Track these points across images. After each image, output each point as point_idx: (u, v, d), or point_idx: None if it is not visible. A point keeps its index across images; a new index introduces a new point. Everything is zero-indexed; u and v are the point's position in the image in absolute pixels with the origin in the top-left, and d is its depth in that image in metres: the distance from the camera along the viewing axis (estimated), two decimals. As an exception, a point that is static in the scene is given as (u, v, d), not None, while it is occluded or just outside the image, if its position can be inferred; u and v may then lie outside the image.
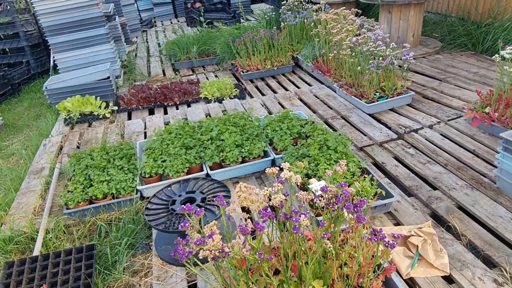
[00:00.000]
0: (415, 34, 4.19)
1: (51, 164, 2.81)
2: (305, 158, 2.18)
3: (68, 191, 2.28)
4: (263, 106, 3.48)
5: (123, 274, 1.84)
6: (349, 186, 1.69)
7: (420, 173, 2.25)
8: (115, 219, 2.20)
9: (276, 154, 2.44)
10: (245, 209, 2.19)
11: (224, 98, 3.67)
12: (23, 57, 5.13)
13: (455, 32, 4.32)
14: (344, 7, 4.12)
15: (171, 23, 7.95)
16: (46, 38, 4.20)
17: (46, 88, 3.73)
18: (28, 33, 5.11)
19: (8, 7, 4.84)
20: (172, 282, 1.73)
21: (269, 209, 1.27)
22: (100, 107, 3.59)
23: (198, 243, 1.15)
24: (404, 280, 1.61)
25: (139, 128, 3.27)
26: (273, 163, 2.47)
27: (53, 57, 4.24)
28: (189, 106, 3.68)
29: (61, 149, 3.09)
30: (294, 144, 2.48)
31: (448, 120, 2.78)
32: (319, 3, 4.42)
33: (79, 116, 3.51)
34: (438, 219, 1.92)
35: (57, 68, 4.23)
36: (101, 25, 4.16)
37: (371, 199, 1.90)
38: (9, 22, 5.08)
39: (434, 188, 2.12)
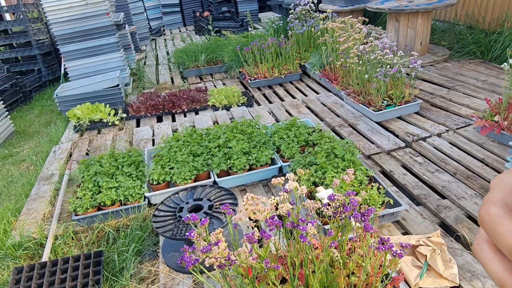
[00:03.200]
0: (423, 42, 4.19)
1: (61, 170, 2.84)
2: (312, 166, 2.18)
3: (77, 198, 2.30)
4: (270, 113, 3.49)
5: (130, 281, 1.84)
6: (356, 194, 1.68)
7: (428, 182, 2.24)
8: (123, 225, 2.21)
9: (284, 161, 2.44)
10: (251, 218, 2.19)
11: (232, 106, 3.70)
12: (35, 65, 5.23)
13: (463, 40, 4.30)
14: (351, 16, 4.14)
15: (180, 31, 8.04)
16: (57, 47, 4.28)
17: (56, 95, 3.79)
18: (40, 42, 5.21)
19: (21, 16, 4.95)
20: (178, 289, 1.73)
21: (276, 218, 1.27)
22: (109, 114, 3.64)
23: (204, 250, 1.15)
24: (413, 291, 1.59)
25: (147, 135, 3.30)
26: (280, 170, 2.47)
27: (64, 65, 4.31)
28: (197, 113, 3.71)
29: (70, 155, 3.13)
30: (301, 152, 2.48)
31: (457, 129, 2.76)
32: (326, 12, 4.45)
33: (89, 123, 3.56)
34: (447, 229, 1.90)
35: (68, 76, 4.30)
36: (111, 34, 4.23)
37: (379, 207, 1.89)
38: (21, 31, 5.19)
39: (443, 197, 2.10)
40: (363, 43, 3.56)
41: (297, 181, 1.29)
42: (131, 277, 1.87)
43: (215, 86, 4.43)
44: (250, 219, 2.20)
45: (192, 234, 1.25)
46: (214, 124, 3.38)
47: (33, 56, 5.24)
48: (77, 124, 3.55)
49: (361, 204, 1.40)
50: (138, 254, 2.00)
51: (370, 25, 4.01)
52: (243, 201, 1.20)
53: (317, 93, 3.89)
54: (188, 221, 1.25)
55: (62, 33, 4.05)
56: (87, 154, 3.11)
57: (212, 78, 4.79)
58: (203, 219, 1.25)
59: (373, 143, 2.74)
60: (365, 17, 4.36)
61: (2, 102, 3.82)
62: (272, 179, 1.28)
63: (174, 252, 1.93)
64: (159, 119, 3.69)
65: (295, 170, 2.22)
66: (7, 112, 3.89)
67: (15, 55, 5.24)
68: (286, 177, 1.34)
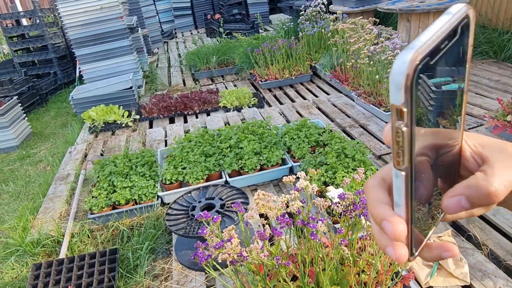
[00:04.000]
0: (434, 42, 4.16)
1: (76, 170, 2.92)
2: (323, 166, 2.20)
3: (93, 197, 2.36)
4: (281, 114, 3.52)
5: (144, 278, 1.89)
6: (366, 193, 1.70)
7: (439, 182, 2.23)
8: (137, 224, 2.27)
9: (294, 162, 2.46)
10: (263, 216, 2.22)
11: (243, 107, 3.73)
12: (51, 68, 5.35)
13: (476, 39, 4.27)
14: (362, 17, 4.14)
15: (191, 34, 8.13)
16: (72, 50, 4.38)
17: (72, 98, 3.89)
18: (55, 46, 5.34)
19: (38, 21, 5.08)
20: (191, 286, 1.77)
21: (286, 216, 1.30)
22: (123, 116, 3.71)
23: (217, 247, 1.19)
24: (423, 289, 1.60)
25: (160, 136, 3.36)
26: (291, 170, 2.49)
27: (79, 68, 4.42)
28: (208, 114, 3.76)
29: (85, 156, 3.21)
30: (312, 152, 2.50)
31: (469, 129, 2.75)
32: (336, 13, 4.46)
33: (103, 125, 3.64)
34: (458, 228, 1.90)
35: (83, 78, 4.40)
36: (125, 37, 4.32)
37: (389, 207, 1.89)
38: (38, 35, 5.32)
39: (454, 197, 2.10)
40: (373, 43, 3.57)
41: (308, 180, 1.32)
42: (145, 274, 1.91)
43: (226, 88, 4.48)
44: (261, 216, 2.23)
45: (205, 231, 1.29)
46: (225, 125, 3.42)
47: (49, 60, 5.37)
48: (92, 125, 3.63)
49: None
50: (152, 252, 2.05)
51: (380, 25, 4.00)
52: (255, 197, 1.23)
53: (328, 94, 3.90)
54: (201, 219, 1.29)
55: (77, 36, 4.15)
56: (101, 154, 3.18)
57: (223, 79, 4.84)
58: (215, 216, 1.29)
59: (383, 143, 2.74)
60: (376, 17, 4.36)
61: (20, 104, 3.93)
62: (284, 177, 1.31)
63: (187, 250, 1.97)
64: (171, 120, 3.75)
65: (306, 170, 2.24)
66: (25, 114, 3.99)
67: (32, 59, 5.38)
68: (297, 175, 1.36)
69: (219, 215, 1.30)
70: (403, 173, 0.27)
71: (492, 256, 1.71)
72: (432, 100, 0.27)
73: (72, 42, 4.20)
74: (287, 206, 1.32)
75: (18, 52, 5.41)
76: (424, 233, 0.33)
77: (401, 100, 0.24)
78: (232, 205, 1.40)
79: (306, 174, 1.37)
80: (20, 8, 6.82)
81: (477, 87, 3.39)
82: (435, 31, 0.26)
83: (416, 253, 0.32)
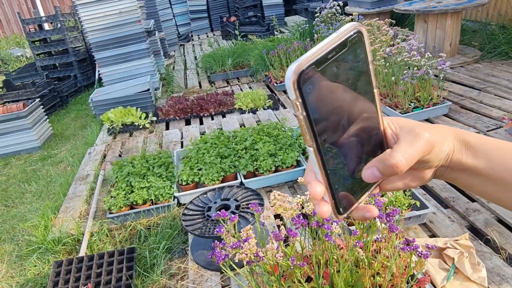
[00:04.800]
0: (452, 43, 4.10)
1: (96, 171, 2.99)
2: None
3: (111, 197, 2.42)
4: (296, 116, 3.52)
5: (161, 277, 1.93)
6: (382, 196, 1.69)
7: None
8: (154, 224, 2.31)
9: (309, 164, 2.47)
10: (277, 217, 2.23)
11: (258, 109, 3.76)
12: (71, 71, 5.50)
13: (495, 40, 4.18)
14: (378, 18, 4.11)
15: (207, 36, 8.21)
16: (92, 54, 4.49)
17: (91, 100, 3.98)
18: (76, 49, 5.48)
19: (59, 25, 5.22)
20: (207, 286, 1.80)
21: (301, 217, 1.31)
22: (140, 117, 3.79)
23: (234, 246, 1.21)
24: (440, 293, 1.58)
25: (176, 137, 3.41)
26: (306, 172, 2.50)
27: (98, 71, 4.52)
28: (223, 116, 3.80)
29: (104, 157, 3.29)
30: (327, 154, 2.50)
31: (487, 131, 2.70)
32: (352, 15, 4.44)
33: (121, 126, 3.72)
34: (476, 232, 1.87)
35: (102, 81, 4.51)
36: (143, 41, 4.40)
37: (405, 209, 1.88)
38: (59, 39, 5.47)
39: (472, 200, 2.07)
40: (389, 45, 3.54)
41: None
42: (162, 273, 1.95)
43: (241, 90, 4.51)
44: (275, 217, 2.24)
45: (222, 230, 1.31)
46: (240, 126, 3.45)
47: (69, 63, 5.51)
48: (111, 127, 3.71)
49: (386, 206, 1.41)
50: (168, 252, 2.09)
51: (396, 27, 3.97)
52: (270, 198, 1.24)
53: (343, 96, 3.88)
54: (218, 218, 1.32)
55: (97, 40, 4.26)
56: (119, 155, 3.26)
57: (239, 81, 4.88)
58: (232, 215, 1.31)
59: (400, 145, 2.72)
60: (392, 19, 4.32)
61: (42, 106, 4.05)
62: (299, 178, 1.33)
63: (203, 250, 2.00)
64: (187, 122, 3.80)
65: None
66: (46, 116, 4.11)
67: (53, 62, 5.53)
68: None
69: (236, 215, 1.32)
70: (311, 148, 0.36)
71: (511, 260, 1.68)
72: (328, 94, 0.35)
73: (92, 45, 4.31)
74: (302, 207, 1.33)
75: (40, 55, 5.57)
76: (357, 197, 0.41)
77: (293, 96, 0.33)
78: (249, 205, 1.43)
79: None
80: (42, 14, 7.03)
81: (496, 89, 3.32)
82: (320, 46, 0.34)
83: (345, 214, 0.40)
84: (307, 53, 0.33)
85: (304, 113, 0.34)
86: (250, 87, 4.60)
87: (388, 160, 0.38)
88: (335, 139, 0.37)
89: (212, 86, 4.84)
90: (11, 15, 10.10)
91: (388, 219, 1.36)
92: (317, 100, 0.34)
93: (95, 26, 4.20)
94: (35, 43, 5.52)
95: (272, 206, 1.21)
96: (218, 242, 1.26)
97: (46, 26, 5.66)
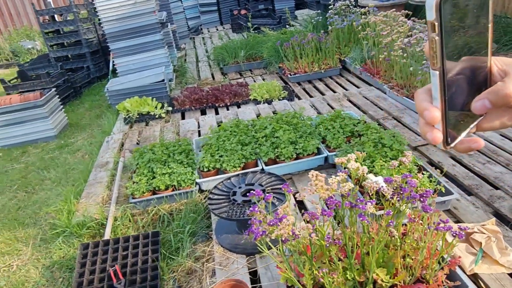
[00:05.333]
0: (468, 35, 4.08)
1: (115, 158, 3.02)
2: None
3: (134, 182, 2.44)
4: (312, 107, 3.53)
5: (186, 259, 1.95)
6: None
7: (479, 173, 2.21)
8: (176, 209, 2.34)
9: (329, 151, 2.48)
10: (298, 201, 2.24)
11: (273, 100, 3.76)
12: (84, 62, 5.52)
13: (511, 33, 4.16)
14: (394, 9, 4.09)
15: (217, 29, 8.21)
16: (106, 44, 4.51)
17: (107, 90, 4.01)
18: (89, 41, 5.50)
19: (69, 17, 5.24)
20: (233, 268, 1.82)
21: (334, 198, 1.32)
22: (156, 107, 3.81)
23: (272, 223, 1.23)
24: (468, 277, 1.59)
25: (193, 127, 3.43)
26: (326, 160, 2.51)
27: (113, 61, 4.54)
28: (239, 107, 3.81)
29: (122, 145, 3.31)
30: (347, 142, 2.51)
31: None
32: (367, 6, 4.42)
33: (137, 116, 3.74)
34: (502, 218, 1.88)
35: (116, 71, 4.53)
36: (157, 31, 4.42)
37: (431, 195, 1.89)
38: (72, 31, 5.50)
39: (496, 188, 2.07)
40: (407, 36, 3.53)
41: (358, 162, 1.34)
42: (187, 256, 1.97)
43: (254, 81, 4.52)
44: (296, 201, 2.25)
45: (256, 209, 1.33)
46: (257, 116, 3.46)
47: (82, 54, 5.54)
48: (127, 116, 3.74)
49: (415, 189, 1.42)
50: (192, 236, 2.11)
51: (413, 18, 3.95)
52: (312, 178, 1.25)
53: (358, 87, 3.88)
54: (253, 197, 1.33)
55: (112, 31, 4.28)
56: (137, 143, 3.28)
57: (252, 73, 4.88)
58: (267, 195, 1.33)
59: (419, 135, 2.72)
60: (406, 10, 4.30)
61: (57, 96, 4.08)
62: (335, 159, 1.34)
63: (227, 233, 2.02)
64: (203, 112, 3.82)
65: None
66: (62, 106, 4.15)
67: (67, 53, 5.56)
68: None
69: (270, 194, 1.34)
70: (437, 72, 0.38)
71: (539, 246, 1.68)
72: (458, 20, 0.38)
73: (107, 36, 4.33)
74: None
75: (53, 47, 5.60)
76: (460, 132, 0.43)
77: (433, 16, 0.35)
78: (281, 186, 1.44)
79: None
80: (52, 5, 7.05)
81: (515, 80, 3.31)
82: None
83: (452, 144, 0.42)
84: None
85: (439, 35, 0.36)
86: (263, 79, 4.61)
87: (501, 91, 0.41)
88: (455, 67, 0.39)
89: (225, 77, 4.85)
90: (21, 7, 10.14)
91: (421, 199, 1.37)
92: (450, 25, 0.36)
93: (110, 16, 4.21)
94: (48, 34, 5.55)
95: (315, 186, 1.22)
96: (255, 219, 1.27)
97: (57, 18, 5.68)
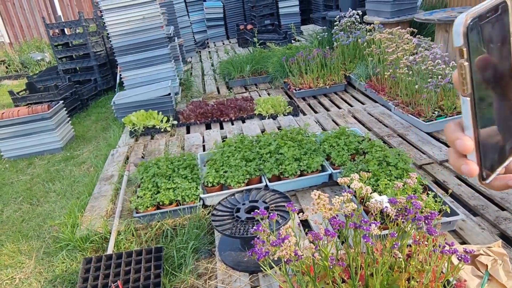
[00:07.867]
0: (473, 53, 4.09)
1: (120, 172, 3.03)
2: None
3: (138, 197, 2.45)
4: (316, 123, 3.54)
5: (189, 276, 1.94)
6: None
7: (485, 193, 2.19)
8: (179, 225, 2.33)
9: (334, 169, 2.47)
10: (301, 222, 2.23)
11: (278, 115, 3.78)
12: (92, 75, 5.60)
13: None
14: (399, 27, 4.13)
15: (223, 44, 8.31)
16: (114, 58, 4.58)
17: (114, 103, 4.05)
18: (97, 54, 5.59)
19: (78, 30, 5.34)
20: (236, 286, 1.81)
21: (338, 218, 1.32)
22: (161, 121, 3.84)
23: (274, 244, 1.22)
24: (473, 300, 1.57)
25: (197, 141, 3.44)
26: (331, 177, 2.50)
27: (120, 75, 4.60)
28: (243, 122, 3.83)
29: (127, 158, 3.33)
30: (352, 160, 2.51)
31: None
32: (372, 23, 4.47)
33: (143, 129, 3.77)
34: (508, 240, 1.85)
35: (123, 85, 4.58)
36: (164, 46, 4.48)
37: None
38: (81, 44, 5.59)
39: (502, 209, 2.05)
40: (412, 53, 3.55)
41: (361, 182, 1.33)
42: (189, 273, 1.96)
43: (259, 96, 4.55)
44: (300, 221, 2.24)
45: (260, 228, 1.33)
46: (262, 132, 3.47)
47: (90, 67, 5.62)
48: (133, 129, 3.77)
49: (420, 211, 1.41)
50: (195, 252, 2.10)
51: (418, 36, 3.98)
52: (314, 197, 1.25)
53: (363, 103, 3.89)
54: (257, 216, 1.33)
55: (120, 45, 4.35)
56: (142, 157, 3.30)
57: (257, 88, 4.92)
58: (271, 214, 1.33)
59: (424, 153, 2.71)
60: (411, 28, 4.33)
61: (65, 108, 4.13)
62: (338, 179, 1.34)
63: (230, 250, 2.01)
64: (208, 127, 3.84)
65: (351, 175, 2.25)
66: (69, 118, 4.19)
67: (75, 66, 5.65)
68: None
69: (275, 213, 1.33)
70: (468, 98, 0.37)
71: (546, 270, 1.66)
72: (484, 46, 0.37)
73: (115, 50, 4.39)
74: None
75: (63, 59, 5.69)
76: (495, 167, 0.41)
77: (461, 42, 0.35)
78: (286, 204, 1.44)
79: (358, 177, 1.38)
80: (62, 19, 7.19)
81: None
82: (481, 5, 0.37)
83: (488, 180, 0.40)
84: (472, 9, 0.36)
85: (468, 61, 0.36)
86: (268, 94, 4.64)
87: None
88: (487, 95, 0.38)
89: (230, 91, 4.89)
90: (32, 20, 10.35)
91: (426, 221, 1.36)
92: (477, 51, 0.36)
93: (119, 31, 4.29)
94: (58, 47, 5.65)
95: (317, 205, 1.22)
96: (258, 240, 1.27)
97: (67, 32, 5.79)
